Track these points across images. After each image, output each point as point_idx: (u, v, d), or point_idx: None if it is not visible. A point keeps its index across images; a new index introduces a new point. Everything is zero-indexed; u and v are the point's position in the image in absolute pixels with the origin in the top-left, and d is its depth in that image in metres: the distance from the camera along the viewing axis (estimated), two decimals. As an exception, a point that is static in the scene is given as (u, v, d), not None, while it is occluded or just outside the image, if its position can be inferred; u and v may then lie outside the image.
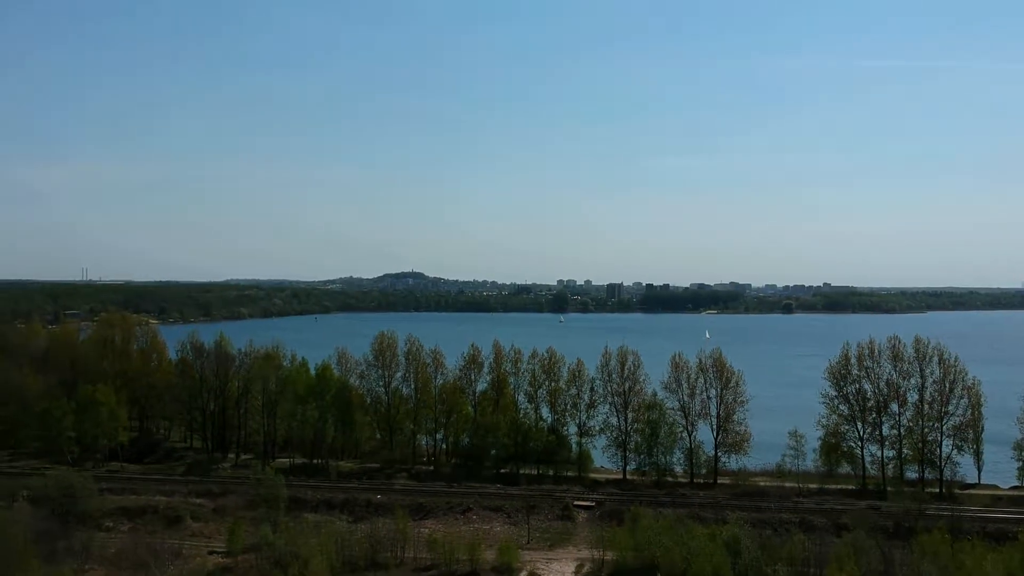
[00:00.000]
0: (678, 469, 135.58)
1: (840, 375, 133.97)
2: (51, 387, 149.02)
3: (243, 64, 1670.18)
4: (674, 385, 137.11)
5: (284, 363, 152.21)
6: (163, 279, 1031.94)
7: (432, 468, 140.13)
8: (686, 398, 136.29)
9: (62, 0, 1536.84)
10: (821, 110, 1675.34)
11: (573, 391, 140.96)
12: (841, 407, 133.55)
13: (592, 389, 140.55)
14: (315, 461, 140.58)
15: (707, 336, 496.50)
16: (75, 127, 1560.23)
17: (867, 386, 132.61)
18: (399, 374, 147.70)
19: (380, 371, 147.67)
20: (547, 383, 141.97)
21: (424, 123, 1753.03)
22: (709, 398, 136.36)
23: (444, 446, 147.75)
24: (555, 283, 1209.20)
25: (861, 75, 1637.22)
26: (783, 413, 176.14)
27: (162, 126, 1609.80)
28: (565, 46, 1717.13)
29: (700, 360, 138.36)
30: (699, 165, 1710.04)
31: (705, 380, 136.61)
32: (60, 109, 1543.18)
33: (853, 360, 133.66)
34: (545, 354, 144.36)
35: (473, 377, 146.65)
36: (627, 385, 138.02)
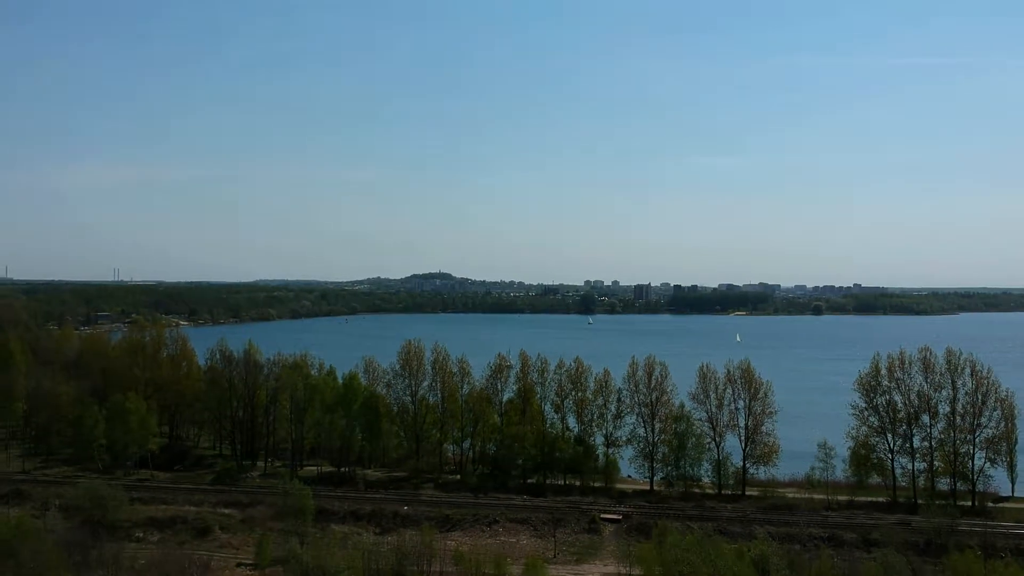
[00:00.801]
0: (706, 480, 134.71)
1: (870, 386, 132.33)
2: (83, 394, 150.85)
3: (273, 67, 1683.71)
4: (702, 396, 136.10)
5: (312, 372, 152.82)
6: (193, 279, 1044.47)
7: (459, 477, 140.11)
8: (714, 409, 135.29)
9: (94, 3, 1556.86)
10: (852, 109, 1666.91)
11: (600, 401, 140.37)
12: (871, 419, 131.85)
13: (619, 399, 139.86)
14: (343, 469, 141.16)
15: (738, 339, 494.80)
16: (106, 129, 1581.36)
17: (897, 398, 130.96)
18: (426, 383, 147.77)
19: (407, 380, 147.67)
20: (574, 393, 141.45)
21: (451, 123, 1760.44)
22: (737, 409, 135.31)
23: (471, 454, 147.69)
24: (582, 284, 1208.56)
25: (891, 73, 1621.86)
26: (813, 420, 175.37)
27: (192, 127, 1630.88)
28: (593, 45, 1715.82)
29: (728, 371, 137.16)
30: (728, 165, 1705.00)
31: (733, 391, 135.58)
32: (92, 111, 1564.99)
33: (883, 371, 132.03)
34: (572, 364, 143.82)
35: (500, 386, 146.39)
36: (654, 396, 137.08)
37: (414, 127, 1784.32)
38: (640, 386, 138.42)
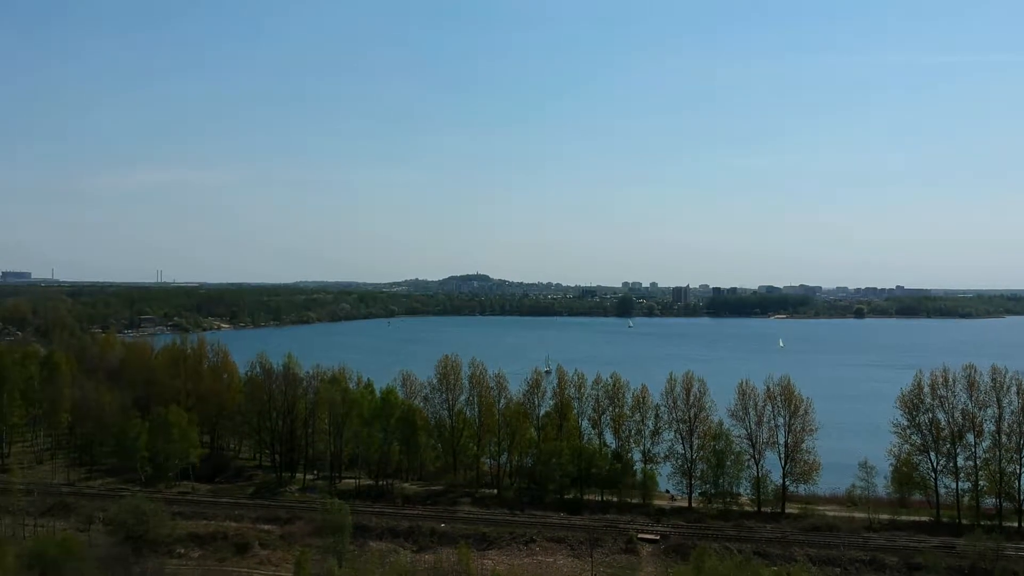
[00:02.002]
0: (744, 497, 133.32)
1: (912, 404, 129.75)
2: (126, 405, 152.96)
3: (310, 69, 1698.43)
4: (741, 413, 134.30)
5: (350, 385, 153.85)
6: (235, 281, 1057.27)
7: (496, 492, 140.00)
8: (753, 426, 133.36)
9: (133, 5, 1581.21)
10: (892, 108, 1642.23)
11: (637, 417, 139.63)
12: (914, 437, 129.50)
13: (657, 416, 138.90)
14: (380, 483, 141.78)
15: (781, 344, 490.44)
16: (149, 132, 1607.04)
17: (941, 416, 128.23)
18: (463, 397, 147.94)
19: (444, 394, 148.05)
20: (611, 409, 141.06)
21: (488, 124, 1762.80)
22: (777, 426, 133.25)
23: (507, 468, 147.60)
24: (620, 285, 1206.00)
25: (931, 72, 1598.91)
26: (855, 431, 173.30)
27: (232, 130, 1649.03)
28: (631, 43, 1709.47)
29: (768, 387, 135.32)
30: (767, 165, 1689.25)
31: (773, 408, 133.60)
32: (134, 114, 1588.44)
33: (926, 389, 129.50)
34: (608, 379, 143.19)
35: (536, 401, 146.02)
36: (692, 412, 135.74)
37: (451, 128, 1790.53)
38: (678, 402, 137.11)
